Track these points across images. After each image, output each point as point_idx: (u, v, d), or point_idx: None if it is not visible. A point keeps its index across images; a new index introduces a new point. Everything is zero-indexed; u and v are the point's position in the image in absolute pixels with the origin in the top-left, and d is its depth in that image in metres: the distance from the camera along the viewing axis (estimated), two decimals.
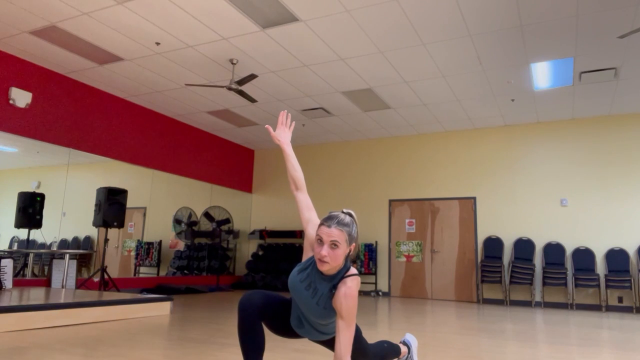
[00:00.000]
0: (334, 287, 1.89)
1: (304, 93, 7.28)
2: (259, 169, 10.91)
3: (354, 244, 1.92)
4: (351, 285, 1.87)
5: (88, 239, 7.40)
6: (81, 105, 7.11)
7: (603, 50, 5.62)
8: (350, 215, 1.94)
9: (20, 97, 6.23)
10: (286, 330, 2.09)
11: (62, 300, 4.21)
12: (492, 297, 8.18)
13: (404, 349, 2.50)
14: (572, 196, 7.91)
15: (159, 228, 8.80)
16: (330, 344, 2.11)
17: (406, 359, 2.51)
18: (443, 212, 8.86)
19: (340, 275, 1.91)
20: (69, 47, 5.96)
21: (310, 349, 3.16)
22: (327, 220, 1.88)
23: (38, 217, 6.56)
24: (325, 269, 1.86)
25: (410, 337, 2.60)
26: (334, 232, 1.84)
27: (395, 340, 3.68)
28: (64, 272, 6.45)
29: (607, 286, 7.26)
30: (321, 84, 6.88)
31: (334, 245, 1.83)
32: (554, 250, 7.81)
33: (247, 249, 10.57)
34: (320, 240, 1.85)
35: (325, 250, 1.83)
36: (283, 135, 2.21)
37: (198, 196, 9.52)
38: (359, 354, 2.09)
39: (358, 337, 2.09)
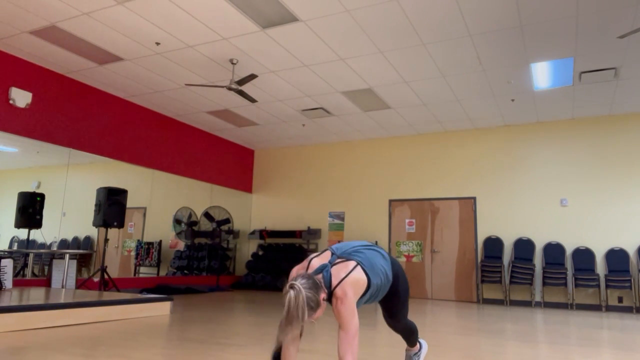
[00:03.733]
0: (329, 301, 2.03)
1: (304, 93, 7.28)
2: (259, 169, 10.91)
3: (320, 309, 1.90)
4: (340, 296, 1.96)
5: (88, 239, 7.39)
6: (81, 105, 7.11)
7: (603, 50, 5.62)
8: (295, 289, 1.83)
9: (20, 97, 6.23)
10: None
11: (62, 300, 4.21)
12: (492, 297, 8.18)
13: (418, 344, 2.67)
14: (572, 196, 7.91)
15: (159, 228, 8.80)
16: (383, 303, 2.32)
17: (415, 354, 2.64)
18: (443, 212, 8.86)
19: (329, 292, 2.00)
20: (69, 47, 5.96)
21: (312, 349, 3.16)
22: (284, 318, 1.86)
23: (38, 217, 6.56)
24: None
25: (423, 342, 2.73)
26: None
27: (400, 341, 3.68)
28: (64, 272, 6.45)
29: (607, 286, 7.26)
30: (321, 84, 6.88)
31: None
32: (554, 250, 7.80)
33: (247, 249, 10.57)
34: None
35: None
36: None
37: (198, 196, 9.52)
38: (400, 316, 2.33)
39: (404, 302, 2.31)
